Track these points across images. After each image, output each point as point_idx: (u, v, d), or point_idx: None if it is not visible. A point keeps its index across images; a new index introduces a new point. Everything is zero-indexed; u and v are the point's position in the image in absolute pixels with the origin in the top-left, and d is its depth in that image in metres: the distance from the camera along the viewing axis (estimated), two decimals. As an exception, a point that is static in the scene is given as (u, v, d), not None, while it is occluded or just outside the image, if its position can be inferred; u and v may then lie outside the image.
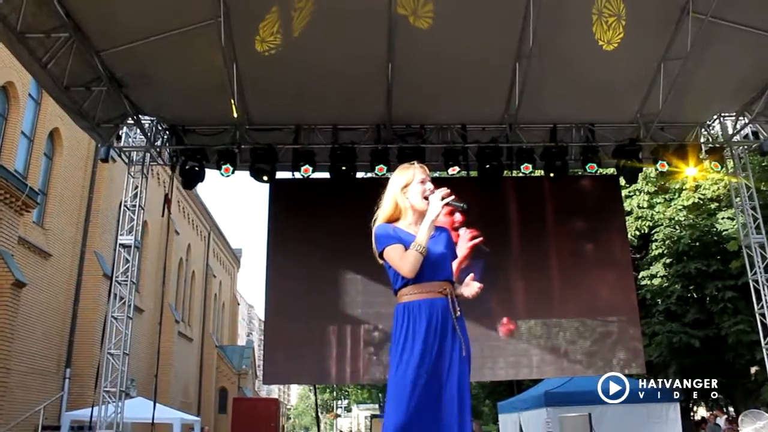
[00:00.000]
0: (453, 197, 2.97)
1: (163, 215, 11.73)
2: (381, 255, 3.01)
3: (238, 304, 48.99)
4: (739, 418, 10.91)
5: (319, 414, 65.73)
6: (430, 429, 2.81)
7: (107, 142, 10.01)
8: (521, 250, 10.68)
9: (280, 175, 10.58)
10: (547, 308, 10.52)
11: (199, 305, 32.95)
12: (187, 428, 20.05)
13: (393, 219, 3.10)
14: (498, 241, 10.66)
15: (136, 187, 10.38)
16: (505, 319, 10.33)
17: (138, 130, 10.30)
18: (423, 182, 3.07)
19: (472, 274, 3.14)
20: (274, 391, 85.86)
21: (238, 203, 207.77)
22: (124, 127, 10.28)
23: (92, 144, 18.46)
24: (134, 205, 10.26)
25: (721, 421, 17.59)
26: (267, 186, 10.65)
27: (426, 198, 3.02)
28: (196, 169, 10.12)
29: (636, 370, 10.62)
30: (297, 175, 10.41)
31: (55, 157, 17.53)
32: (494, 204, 10.89)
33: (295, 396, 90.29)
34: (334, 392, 42.43)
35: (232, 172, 10.10)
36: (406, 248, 2.93)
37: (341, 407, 61.64)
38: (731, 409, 19.43)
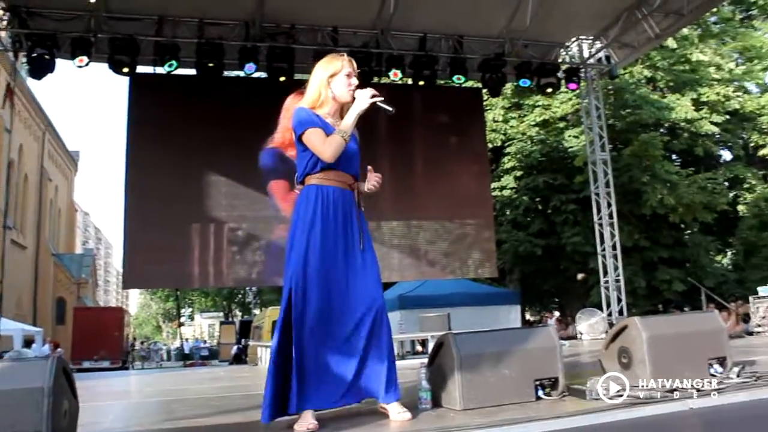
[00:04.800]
0: (382, 99, 2.99)
1: (3, 107, 10.61)
2: (300, 137, 2.99)
3: (76, 211, 46.17)
4: (576, 316, 12.03)
5: (161, 323, 64.95)
6: (332, 313, 2.90)
7: (-67, 20, 8.79)
8: (387, 154, 10.78)
9: (141, 69, 9.85)
10: (410, 210, 10.88)
11: (33, 211, 30.73)
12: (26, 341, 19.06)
13: (314, 106, 3.07)
14: (365, 145, 10.65)
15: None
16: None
17: (-28, 8, 9.12)
18: (349, 76, 3.07)
19: (370, 167, 3.17)
20: (112, 301, 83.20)
21: (74, 101, 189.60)
22: (-46, 4, 9.06)
23: None
24: (-31, 94, 9.21)
25: (551, 321, 19.43)
26: (119, 82, 9.99)
27: (353, 92, 3.03)
28: (46, 57, 9.16)
29: (489, 271, 11.33)
30: (159, 70, 9.76)
31: None
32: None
33: (135, 305, 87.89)
34: (178, 300, 41.96)
35: (87, 64, 9.30)
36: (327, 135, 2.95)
37: (185, 315, 61.28)
38: (557, 313, 21.48)
